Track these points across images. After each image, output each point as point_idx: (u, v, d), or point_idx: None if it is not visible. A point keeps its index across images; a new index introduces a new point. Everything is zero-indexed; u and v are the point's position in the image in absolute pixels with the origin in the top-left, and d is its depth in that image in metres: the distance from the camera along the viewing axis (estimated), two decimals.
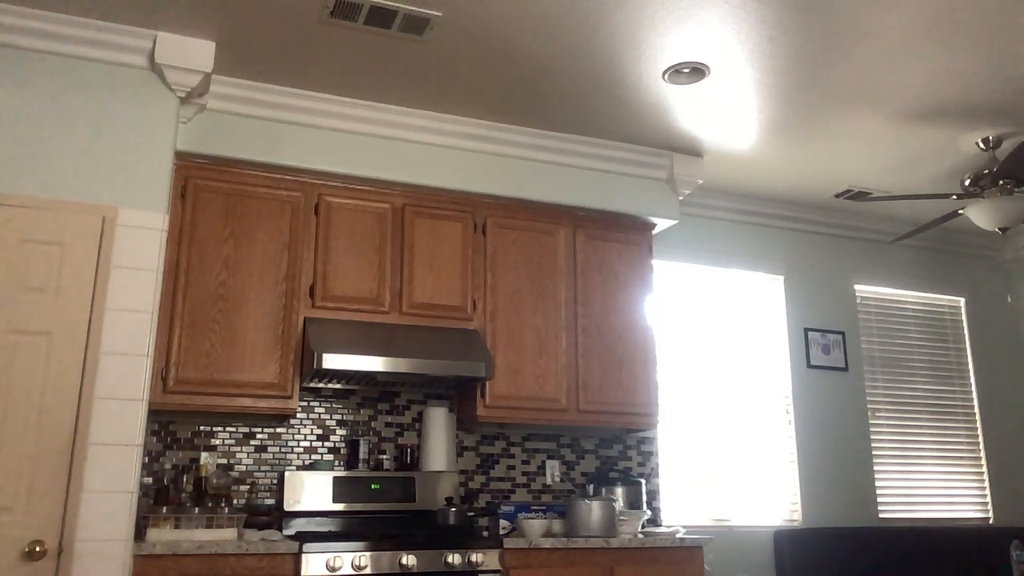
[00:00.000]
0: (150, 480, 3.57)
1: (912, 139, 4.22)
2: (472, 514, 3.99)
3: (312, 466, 3.82)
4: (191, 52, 3.29)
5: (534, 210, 4.17)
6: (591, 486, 4.07)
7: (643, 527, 3.94)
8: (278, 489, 3.74)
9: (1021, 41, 3.32)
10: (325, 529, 3.65)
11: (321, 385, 3.86)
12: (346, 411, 3.97)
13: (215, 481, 3.48)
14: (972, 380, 5.61)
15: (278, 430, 3.83)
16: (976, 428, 5.53)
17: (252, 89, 3.64)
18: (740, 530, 4.71)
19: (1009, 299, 5.87)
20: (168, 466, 3.62)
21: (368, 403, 4.03)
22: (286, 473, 3.67)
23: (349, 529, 3.68)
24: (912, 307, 5.61)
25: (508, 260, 4.05)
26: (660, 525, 4.42)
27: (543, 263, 4.12)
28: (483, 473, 4.17)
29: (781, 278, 5.22)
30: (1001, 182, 4.07)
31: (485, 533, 3.96)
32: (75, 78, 3.19)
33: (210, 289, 3.50)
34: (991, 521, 5.37)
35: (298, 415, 3.88)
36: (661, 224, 4.42)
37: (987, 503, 5.41)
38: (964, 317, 5.72)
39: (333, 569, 3.12)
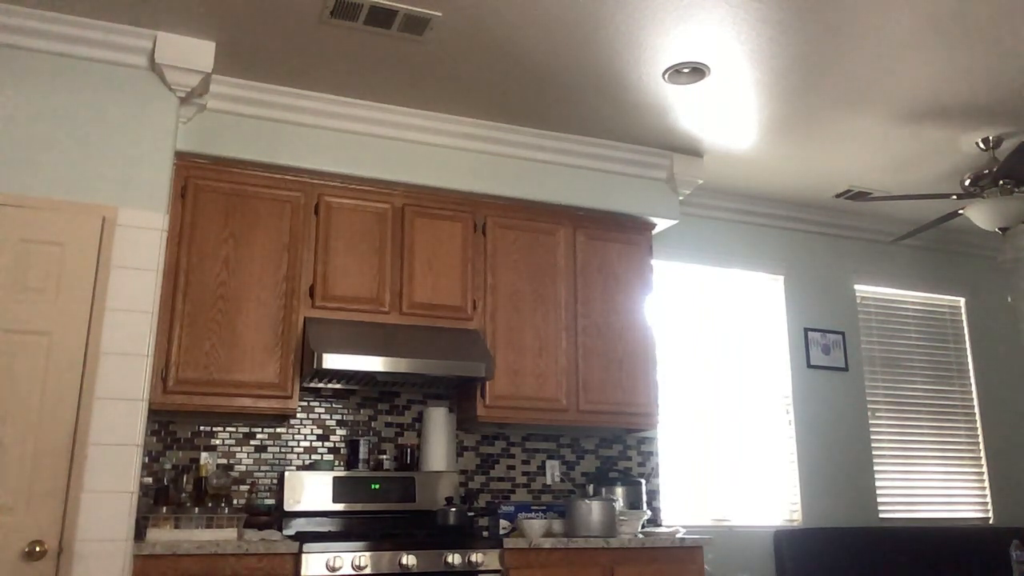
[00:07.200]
0: (150, 480, 3.57)
1: (912, 139, 4.22)
2: (472, 514, 3.99)
3: (312, 466, 3.82)
4: (191, 52, 3.29)
5: (534, 210, 4.17)
6: (591, 486, 4.06)
7: (643, 527, 3.94)
8: (278, 489, 3.74)
9: (1021, 41, 3.32)
10: (325, 529, 3.65)
11: (321, 385, 3.86)
12: (346, 411, 3.97)
13: (215, 481, 3.48)
14: (972, 380, 5.60)
15: (278, 430, 3.83)
16: (976, 428, 5.53)
17: (252, 89, 3.64)
18: (740, 530, 4.70)
19: (1009, 299, 5.87)
20: (168, 466, 3.62)
21: (368, 403, 4.02)
22: (286, 473, 3.67)
23: (349, 529, 3.68)
24: (912, 307, 5.61)
25: (508, 260, 4.05)
26: (660, 525, 4.42)
27: (543, 263, 4.12)
28: (483, 473, 4.17)
29: (781, 278, 5.22)
30: (1001, 182, 4.07)
31: (485, 533, 3.96)
32: (75, 78, 3.19)
33: (210, 289, 3.50)
34: (991, 521, 5.37)
35: (298, 415, 3.88)
36: (661, 224, 4.43)
37: (987, 503, 5.41)
38: (964, 317, 5.72)
39: (333, 569, 3.12)
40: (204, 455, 3.66)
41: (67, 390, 2.93)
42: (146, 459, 3.58)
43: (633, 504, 4.08)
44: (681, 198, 4.47)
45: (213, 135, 3.58)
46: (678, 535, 3.74)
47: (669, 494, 4.61)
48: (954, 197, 4.22)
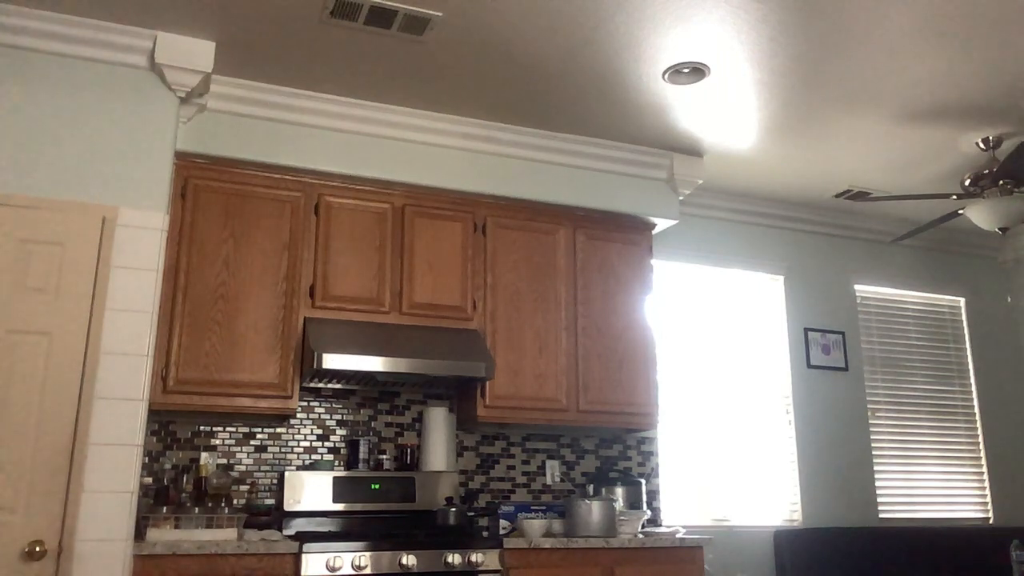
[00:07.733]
0: (150, 480, 3.57)
1: (912, 139, 4.22)
2: (472, 514, 3.99)
3: (312, 466, 3.82)
4: (191, 52, 3.29)
5: (534, 210, 4.17)
6: (591, 486, 4.07)
7: (643, 527, 3.94)
8: (278, 489, 3.74)
9: (1021, 41, 3.32)
10: (325, 529, 3.65)
11: (321, 385, 3.86)
12: (346, 411, 3.97)
13: (215, 481, 3.48)
14: (972, 380, 5.60)
15: (278, 430, 3.83)
16: (976, 428, 5.53)
17: (252, 89, 3.64)
18: (740, 530, 4.70)
19: (1009, 299, 5.87)
20: (168, 466, 3.62)
21: (368, 403, 4.03)
22: (286, 473, 3.67)
23: (349, 529, 3.68)
24: (912, 307, 5.61)
25: (508, 260, 4.05)
26: (660, 525, 4.42)
27: (543, 263, 4.12)
28: (483, 473, 4.17)
29: (781, 278, 5.22)
30: (1001, 182, 4.07)
31: (485, 533, 3.96)
32: (75, 78, 3.19)
33: (210, 289, 3.50)
34: (991, 521, 5.37)
35: (298, 415, 3.88)
36: (661, 224, 4.42)
37: (987, 503, 5.41)
38: (964, 317, 5.72)
39: (333, 569, 3.12)
40: (204, 455, 3.66)
41: (67, 390, 2.93)
42: (146, 459, 3.58)
43: (633, 504, 4.08)
44: (681, 198, 4.46)
45: (213, 135, 3.58)
46: (678, 535, 3.74)
47: (669, 494, 4.61)
48: (954, 197, 4.22)
